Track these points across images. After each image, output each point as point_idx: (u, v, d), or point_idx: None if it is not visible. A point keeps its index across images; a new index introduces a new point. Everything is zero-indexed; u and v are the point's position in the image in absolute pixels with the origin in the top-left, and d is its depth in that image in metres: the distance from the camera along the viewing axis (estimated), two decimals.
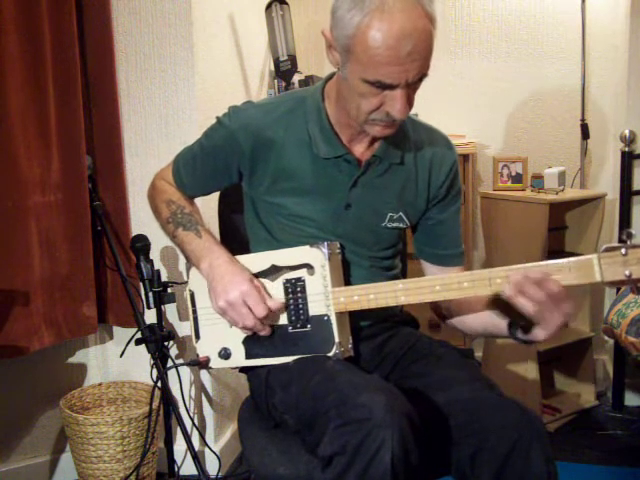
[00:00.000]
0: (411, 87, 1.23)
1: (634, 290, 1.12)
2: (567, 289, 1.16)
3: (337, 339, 1.32)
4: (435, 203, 1.47)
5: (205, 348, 1.46)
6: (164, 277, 2.19)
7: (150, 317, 2.06)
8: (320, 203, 1.40)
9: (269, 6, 2.47)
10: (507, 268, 1.19)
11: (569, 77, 2.91)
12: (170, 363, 2.02)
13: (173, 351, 2.27)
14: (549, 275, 1.15)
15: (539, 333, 1.21)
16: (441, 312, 1.50)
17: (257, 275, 1.38)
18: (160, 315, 2.04)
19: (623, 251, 1.08)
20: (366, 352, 1.45)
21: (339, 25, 1.20)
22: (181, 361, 2.25)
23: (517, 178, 2.69)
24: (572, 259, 1.13)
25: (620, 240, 1.10)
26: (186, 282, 1.48)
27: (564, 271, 1.14)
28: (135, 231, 2.19)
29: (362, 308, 1.31)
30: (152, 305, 2.01)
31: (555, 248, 2.78)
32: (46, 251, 2.05)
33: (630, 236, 1.09)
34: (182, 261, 2.21)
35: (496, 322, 1.34)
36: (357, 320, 1.41)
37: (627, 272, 1.08)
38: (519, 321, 1.26)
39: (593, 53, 2.89)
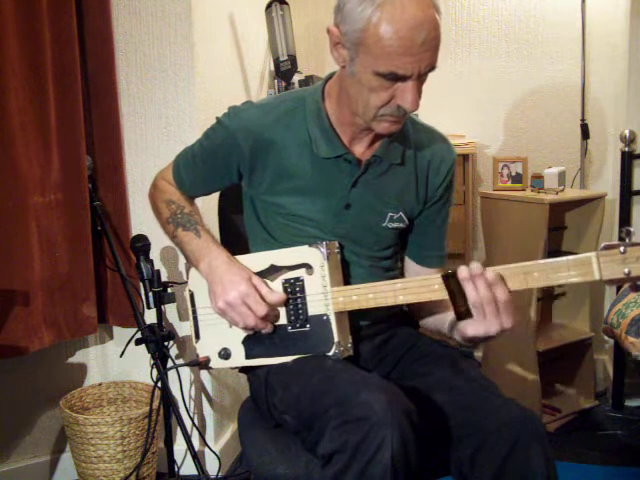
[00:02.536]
0: (420, 79, 1.23)
1: (633, 288, 1.12)
2: (513, 304, 1.18)
3: (336, 339, 1.32)
4: (431, 204, 1.48)
5: (205, 348, 1.45)
6: (164, 277, 2.19)
7: (150, 317, 2.06)
8: (320, 203, 1.40)
9: (269, 6, 2.47)
10: (505, 267, 1.19)
11: (569, 77, 2.91)
12: (170, 363, 2.02)
13: (173, 351, 2.27)
14: (502, 281, 1.17)
15: (469, 327, 1.20)
16: (419, 313, 1.51)
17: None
18: (160, 315, 2.04)
19: (622, 249, 1.08)
20: (366, 352, 1.45)
21: (348, 19, 1.20)
22: (181, 361, 2.25)
23: (517, 178, 2.69)
24: (571, 257, 1.13)
25: (619, 238, 1.10)
26: (186, 282, 1.48)
27: (563, 269, 1.14)
28: (135, 231, 2.19)
29: (361, 308, 1.31)
30: (152, 305, 2.01)
31: (555, 248, 2.78)
32: (46, 251, 2.05)
33: (629, 234, 1.08)
34: (182, 261, 2.20)
35: (444, 320, 1.36)
36: (357, 320, 1.41)
37: (626, 270, 1.08)
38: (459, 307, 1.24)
39: (593, 53, 2.89)
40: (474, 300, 1.17)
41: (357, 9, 1.18)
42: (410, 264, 1.54)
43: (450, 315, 1.33)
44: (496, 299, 1.17)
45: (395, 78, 1.21)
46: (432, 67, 1.23)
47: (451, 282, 1.19)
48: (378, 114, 1.27)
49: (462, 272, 1.18)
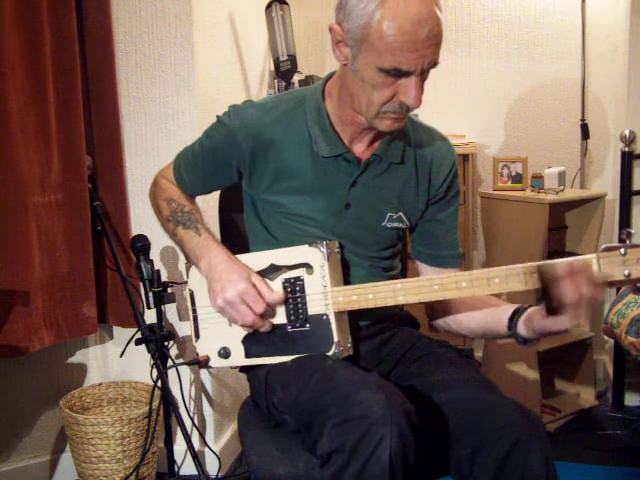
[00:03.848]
0: (423, 75, 1.24)
1: (633, 290, 1.12)
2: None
3: (336, 338, 1.32)
4: (434, 203, 1.47)
5: (205, 347, 1.46)
6: (164, 277, 2.19)
7: (150, 317, 2.06)
8: (320, 202, 1.40)
9: (269, 6, 2.47)
10: (506, 268, 1.19)
11: (569, 77, 2.92)
12: (170, 363, 2.02)
13: (173, 351, 2.27)
14: (605, 281, 1.12)
15: (556, 322, 1.16)
16: (434, 313, 1.50)
17: None
18: (160, 315, 2.04)
19: (622, 251, 1.08)
20: (365, 352, 1.45)
21: (351, 16, 1.21)
22: (181, 361, 2.25)
23: (517, 178, 2.69)
24: (571, 259, 1.13)
25: (619, 240, 1.10)
26: (186, 282, 1.48)
27: None
28: (135, 231, 2.19)
29: (361, 308, 1.31)
30: (152, 305, 2.01)
31: (555, 248, 2.78)
32: (46, 251, 2.05)
33: (629, 236, 1.08)
34: (182, 261, 2.21)
35: (497, 318, 1.33)
36: (357, 320, 1.41)
37: (626, 272, 1.08)
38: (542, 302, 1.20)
39: (593, 53, 2.89)
40: (573, 298, 1.11)
41: (360, 5, 1.19)
42: (424, 269, 1.52)
43: (504, 312, 1.30)
44: (593, 298, 1.11)
45: (398, 74, 1.21)
46: (435, 63, 1.23)
47: (546, 276, 1.14)
48: (381, 111, 1.27)
49: (561, 269, 1.12)
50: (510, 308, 1.32)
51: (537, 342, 1.29)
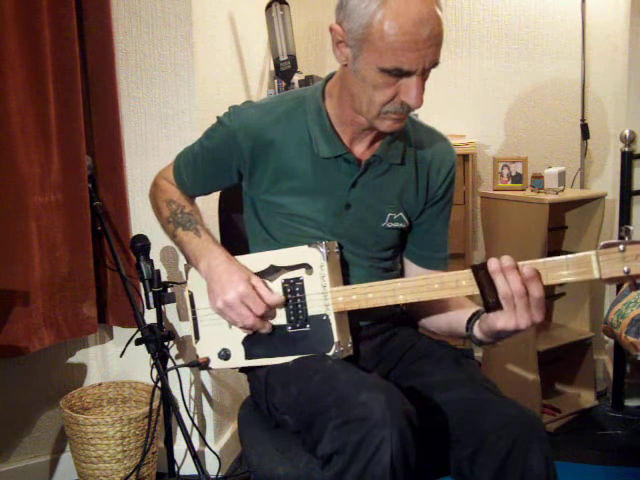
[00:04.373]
0: (424, 75, 1.24)
1: (632, 286, 1.12)
2: (544, 302, 1.17)
3: (336, 339, 1.32)
4: (432, 204, 1.47)
5: (205, 349, 1.45)
6: (164, 277, 2.19)
7: (150, 317, 2.06)
8: (320, 203, 1.40)
9: (269, 6, 2.47)
10: None
11: (569, 77, 2.92)
12: (170, 364, 2.02)
13: (173, 351, 2.27)
14: (537, 276, 1.15)
15: (499, 320, 1.19)
16: (415, 312, 1.51)
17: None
18: (160, 315, 2.04)
19: (621, 247, 1.08)
20: (366, 352, 1.44)
21: (352, 16, 1.21)
22: (181, 362, 2.25)
23: (517, 178, 2.69)
24: (570, 256, 1.13)
25: (619, 237, 1.10)
26: (186, 282, 1.48)
27: (562, 268, 1.14)
28: (135, 231, 2.19)
29: (361, 307, 1.31)
30: (152, 305, 2.01)
31: (555, 248, 2.78)
32: (46, 251, 2.05)
33: (628, 232, 1.08)
34: (182, 261, 2.21)
35: (459, 319, 1.35)
36: (357, 320, 1.41)
37: (625, 268, 1.08)
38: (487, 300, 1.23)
39: (593, 53, 2.89)
40: (505, 293, 1.16)
41: (361, 5, 1.19)
42: (411, 267, 1.53)
43: (466, 313, 1.33)
44: (529, 294, 1.16)
45: (400, 74, 1.21)
46: (435, 63, 1.23)
47: (480, 274, 1.18)
48: (382, 111, 1.27)
49: (492, 264, 1.16)
50: (472, 310, 1.34)
51: (493, 344, 1.30)
